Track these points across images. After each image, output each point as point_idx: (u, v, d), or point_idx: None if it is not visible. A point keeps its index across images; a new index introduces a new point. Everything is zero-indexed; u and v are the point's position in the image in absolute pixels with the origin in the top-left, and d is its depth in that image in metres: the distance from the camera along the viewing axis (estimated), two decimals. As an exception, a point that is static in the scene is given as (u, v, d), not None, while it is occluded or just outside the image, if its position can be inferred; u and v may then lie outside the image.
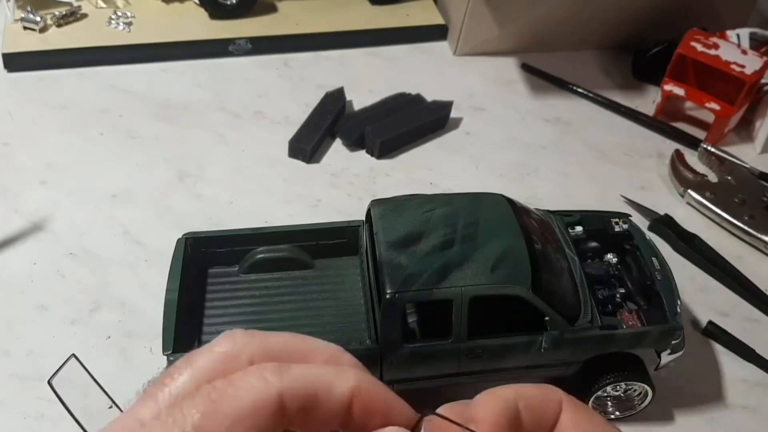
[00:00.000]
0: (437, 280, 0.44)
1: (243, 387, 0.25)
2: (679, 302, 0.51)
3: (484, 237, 0.47)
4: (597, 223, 0.56)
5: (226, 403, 0.25)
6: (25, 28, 0.80)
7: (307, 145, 0.71)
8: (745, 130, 0.80)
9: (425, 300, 0.44)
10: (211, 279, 0.54)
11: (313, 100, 0.76)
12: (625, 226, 0.56)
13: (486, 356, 0.47)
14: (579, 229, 0.55)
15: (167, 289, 0.49)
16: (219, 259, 0.54)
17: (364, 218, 0.53)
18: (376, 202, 0.50)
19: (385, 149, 0.72)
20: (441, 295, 0.44)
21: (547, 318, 0.46)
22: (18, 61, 0.78)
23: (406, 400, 0.45)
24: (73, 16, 0.82)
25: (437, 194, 0.50)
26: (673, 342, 0.50)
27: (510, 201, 0.51)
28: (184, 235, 0.53)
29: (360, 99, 0.78)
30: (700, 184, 0.70)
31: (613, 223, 0.56)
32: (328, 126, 0.73)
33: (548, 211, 0.56)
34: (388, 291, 0.44)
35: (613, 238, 0.55)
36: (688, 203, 0.71)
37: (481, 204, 0.49)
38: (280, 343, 0.28)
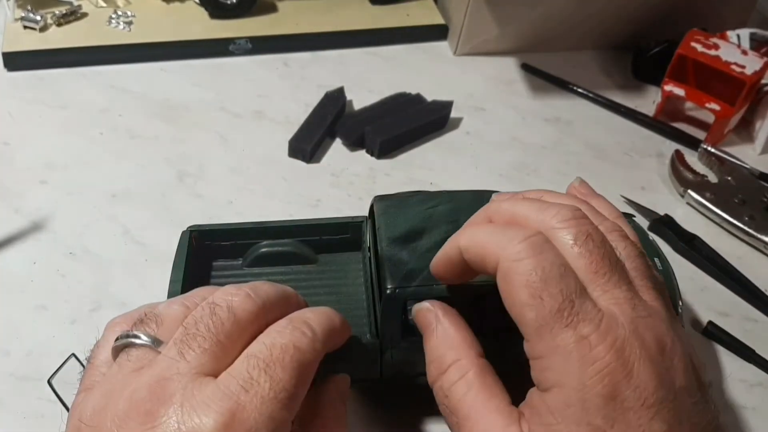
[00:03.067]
0: None
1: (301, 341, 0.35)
2: (680, 303, 0.51)
3: None
4: None
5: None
6: (25, 27, 0.80)
7: (307, 145, 0.71)
8: (745, 130, 0.80)
9: (426, 296, 0.44)
10: (214, 272, 0.54)
11: (313, 100, 0.76)
12: None
13: (486, 353, 0.47)
14: None
15: (171, 281, 0.49)
16: (223, 252, 0.54)
17: (367, 214, 0.53)
18: (379, 198, 0.50)
19: (385, 149, 0.72)
20: (441, 291, 0.44)
21: (547, 317, 0.46)
22: (18, 61, 0.78)
23: (406, 397, 0.50)
24: (74, 15, 0.83)
25: (441, 191, 0.50)
26: (673, 342, 0.50)
27: None
28: (188, 227, 0.53)
29: (360, 99, 0.78)
30: (700, 185, 0.70)
31: None
32: (328, 126, 0.73)
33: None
34: (389, 286, 0.44)
35: None
36: (688, 203, 0.71)
37: (483, 201, 0.49)
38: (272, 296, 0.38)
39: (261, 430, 0.30)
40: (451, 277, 0.41)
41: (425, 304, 0.41)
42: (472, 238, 0.37)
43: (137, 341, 0.34)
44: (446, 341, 0.39)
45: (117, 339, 0.35)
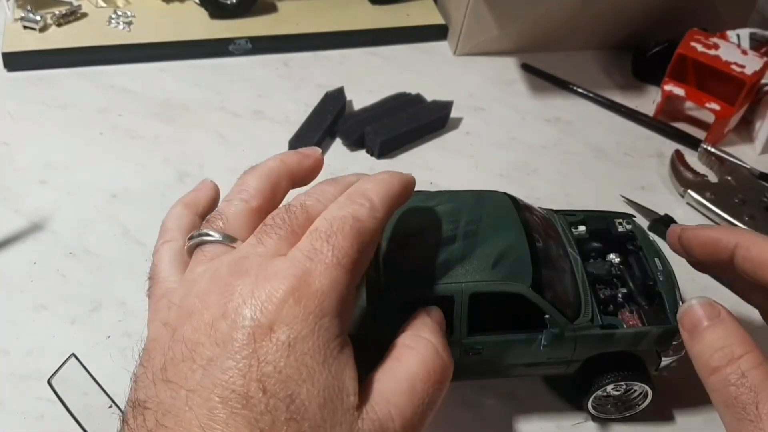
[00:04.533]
0: (438, 275, 0.44)
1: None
2: (681, 303, 0.51)
3: (486, 234, 0.47)
4: (601, 223, 0.56)
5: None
6: (25, 27, 0.80)
7: (307, 145, 0.71)
8: (745, 130, 0.80)
9: (426, 295, 0.44)
10: None
11: (313, 100, 0.76)
12: (629, 227, 0.55)
13: (485, 353, 0.47)
14: (582, 228, 0.55)
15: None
16: None
17: None
18: None
19: (385, 149, 0.72)
20: (441, 290, 0.44)
21: (547, 316, 0.46)
22: (18, 61, 0.78)
23: None
24: (74, 15, 0.82)
25: (440, 191, 0.50)
26: (673, 343, 0.50)
27: (513, 199, 0.51)
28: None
29: (360, 99, 0.78)
30: (700, 185, 0.70)
31: (617, 224, 0.55)
32: (328, 126, 0.73)
33: (552, 210, 0.56)
34: (389, 286, 0.44)
35: (617, 238, 0.55)
36: (688, 203, 0.71)
37: (483, 201, 0.49)
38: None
39: (327, 293, 0.34)
40: (699, 252, 0.47)
41: (707, 300, 0.44)
42: (761, 246, 0.42)
43: (209, 238, 0.38)
44: (737, 333, 0.41)
45: (190, 238, 0.39)
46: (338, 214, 0.37)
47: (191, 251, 0.39)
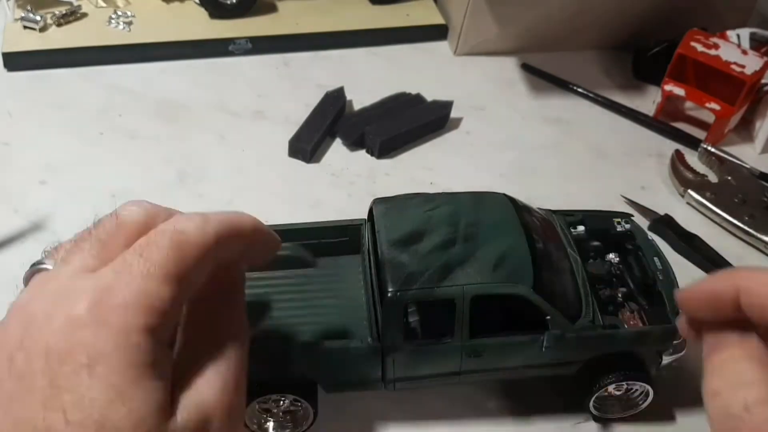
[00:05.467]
0: (439, 278, 0.44)
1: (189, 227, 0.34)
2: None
3: (486, 236, 0.47)
4: (599, 223, 0.56)
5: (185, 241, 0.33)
6: (25, 27, 0.80)
7: (307, 144, 0.71)
8: (745, 130, 0.80)
9: (427, 298, 0.44)
10: None
11: (313, 100, 0.76)
12: (628, 226, 0.55)
13: (487, 355, 0.47)
14: (581, 228, 0.55)
15: None
16: None
17: (366, 217, 0.53)
18: (379, 201, 0.50)
19: (385, 149, 0.72)
20: (443, 293, 0.44)
21: (548, 317, 0.46)
22: (18, 61, 0.78)
23: (408, 399, 0.48)
24: (74, 15, 0.82)
25: (439, 193, 0.50)
26: (674, 342, 0.50)
27: (512, 200, 0.51)
28: None
29: (360, 99, 0.78)
30: (700, 184, 0.71)
31: (615, 223, 0.55)
32: (328, 126, 0.73)
33: (550, 210, 0.56)
34: (390, 289, 0.44)
35: (615, 237, 0.55)
36: (688, 203, 0.71)
37: (483, 203, 0.49)
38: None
39: (131, 306, 0.31)
40: (703, 312, 0.35)
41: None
42: (762, 283, 0.32)
43: (41, 266, 0.36)
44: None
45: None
46: (160, 228, 0.34)
47: (26, 283, 0.37)
